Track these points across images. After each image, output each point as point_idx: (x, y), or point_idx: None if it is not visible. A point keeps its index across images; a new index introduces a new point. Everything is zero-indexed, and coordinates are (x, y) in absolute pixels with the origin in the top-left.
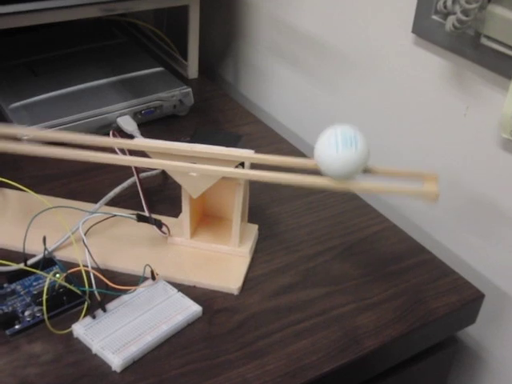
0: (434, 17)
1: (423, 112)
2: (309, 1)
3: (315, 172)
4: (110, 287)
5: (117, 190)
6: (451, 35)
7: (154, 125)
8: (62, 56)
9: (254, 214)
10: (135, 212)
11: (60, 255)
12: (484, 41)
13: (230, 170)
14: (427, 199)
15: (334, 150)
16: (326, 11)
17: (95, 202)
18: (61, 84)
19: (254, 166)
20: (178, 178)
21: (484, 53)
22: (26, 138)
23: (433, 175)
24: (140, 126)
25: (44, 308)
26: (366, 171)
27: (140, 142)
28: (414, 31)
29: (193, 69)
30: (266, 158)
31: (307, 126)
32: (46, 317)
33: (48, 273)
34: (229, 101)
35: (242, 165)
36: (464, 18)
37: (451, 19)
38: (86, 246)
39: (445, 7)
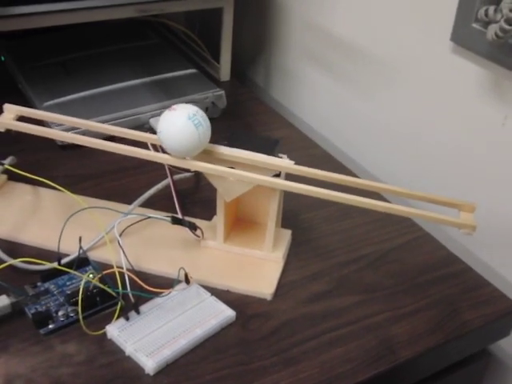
0: (474, 25)
1: (460, 121)
2: (344, 5)
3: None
4: (144, 289)
5: (151, 191)
6: (492, 44)
7: None
8: (95, 55)
9: (287, 218)
10: (170, 214)
11: (93, 255)
12: None
13: (267, 179)
14: (463, 231)
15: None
16: (361, 16)
17: (128, 202)
18: (93, 83)
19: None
20: (213, 181)
21: None
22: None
23: (470, 206)
24: None
25: (79, 308)
26: (403, 195)
27: None
28: (452, 39)
29: (225, 71)
30: (307, 170)
31: (340, 132)
32: (80, 317)
33: (81, 273)
34: (260, 104)
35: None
36: (507, 27)
37: (493, 28)
38: (121, 246)
39: (486, 15)
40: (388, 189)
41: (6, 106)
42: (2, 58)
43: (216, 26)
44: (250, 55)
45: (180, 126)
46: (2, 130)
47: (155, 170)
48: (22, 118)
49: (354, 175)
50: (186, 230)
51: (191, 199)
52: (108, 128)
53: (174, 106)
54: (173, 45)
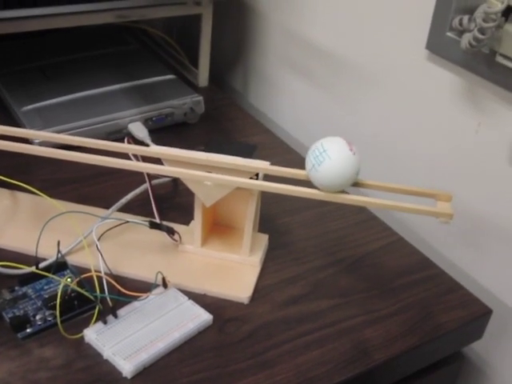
0: (449, 34)
1: (435, 127)
2: (321, 13)
3: None
4: (122, 293)
5: (129, 196)
6: (466, 52)
7: (165, 132)
8: (74, 60)
9: (264, 223)
10: (148, 219)
11: (71, 260)
12: (500, 59)
13: (245, 181)
14: (441, 219)
15: (312, 169)
16: (339, 24)
17: (105, 207)
18: (72, 88)
19: (267, 177)
20: (192, 187)
21: (498, 71)
22: (38, 141)
23: (447, 195)
24: (150, 132)
25: (57, 312)
26: (380, 188)
27: (157, 149)
28: (427, 47)
29: (203, 77)
30: (283, 170)
31: (317, 138)
32: (58, 321)
33: (59, 277)
34: (238, 110)
35: (256, 176)
36: (480, 36)
37: (467, 37)
38: (99, 250)
39: (460, 25)
40: (364, 183)
41: None
42: None
43: (194, 31)
44: (228, 61)
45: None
46: None
47: (133, 175)
48: None
49: None
50: (163, 235)
51: (169, 204)
52: (92, 142)
53: (354, 150)
54: (151, 50)
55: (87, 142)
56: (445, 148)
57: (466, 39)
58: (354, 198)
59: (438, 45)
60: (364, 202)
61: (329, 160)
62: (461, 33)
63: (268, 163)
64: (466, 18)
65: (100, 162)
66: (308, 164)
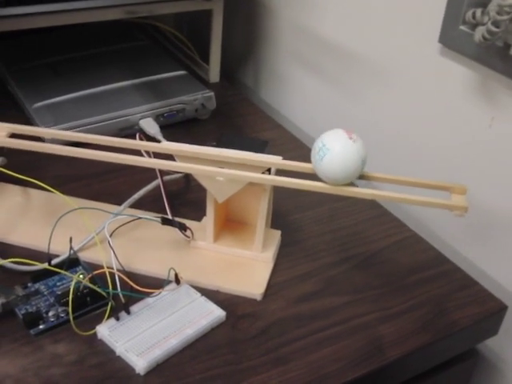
0: (462, 27)
1: (448, 122)
2: (333, 7)
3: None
4: (134, 289)
5: (141, 192)
6: (479, 46)
7: (176, 128)
8: (85, 57)
9: (276, 219)
10: (160, 215)
11: (83, 256)
12: None
13: (257, 176)
14: (456, 212)
15: (317, 165)
16: (350, 19)
17: (117, 203)
18: (83, 85)
19: (279, 172)
20: (204, 182)
21: None
22: (50, 138)
23: (461, 188)
24: (161, 128)
25: (70, 309)
26: (393, 181)
27: (169, 145)
28: (440, 41)
29: (214, 73)
30: (295, 164)
31: None
32: (71, 317)
33: (71, 273)
34: (249, 105)
35: (268, 171)
36: (494, 29)
37: (480, 30)
38: (111, 247)
39: (473, 18)
40: (376, 176)
41: None
42: None
43: (205, 27)
44: (239, 56)
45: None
46: None
47: (145, 172)
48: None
49: None
50: (175, 231)
51: (181, 200)
52: (104, 139)
53: (354, 137)
54: (162, 46)
55: (99, 139)
56: (458, 142)
57: (479, 32)
58: (362, 191)
59: (451, 38)
60: (373, 195)
61: (329, 152)
62: (474, 26)
63: (280, 158)
64: (479, 11)
65: (112, 158)
66: (313, 161)
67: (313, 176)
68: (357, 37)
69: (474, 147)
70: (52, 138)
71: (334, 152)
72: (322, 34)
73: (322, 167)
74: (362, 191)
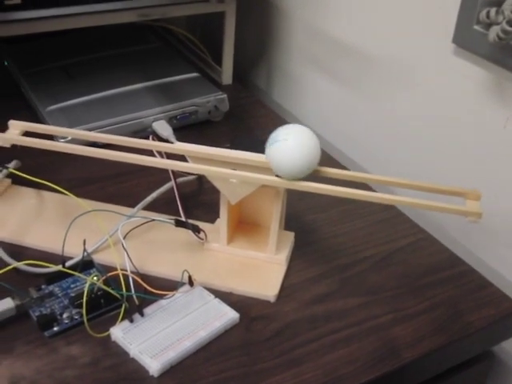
0: (476, 27)
1: (461, 123)
2: (346, 9)
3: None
4: (148, 291)
5: (154, 194)
6: (494, 46)
7: (189, 130)
8: (97, 60)
9: (289, 221)
10: (173, 217)
11: (97, 258)
12: None
13: (271, 179)
14: (470, 219)
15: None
16: (363, 20)
17: (130, 205)
18: (96, 87)
19: None
20: (217, 184)
21: None
22: (63, 140)
23: (476, 194)
24: (174, 131)
25: (84, 311)
26: (409, 186)
27: (182, 146)
28: (454, 41)
29: (227, 75)
30: None
31: (342, 135)
32: (85, 319)
33: (85, 275)
34: (262, 107)
35: None
36: (509, 28)
37: (495, 30)
38: (125, 249)
39: (488, 17)
40: (393, 181)
41: (11, 123)
42: (6, 63)
43: (217, 29)
44: (251, 58)
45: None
46: (8, 146)
47: (157, 174)
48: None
49: None
50: (188, 233)
51: (194, 202)
52: (117, 139)
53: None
54: (174, 48)
55: (112, 139)
56: (472, 143)
57: (493, 32)
58: (384, 197)
59: (465, 38)
60: (393, 201)
61: (285, 143)
62: (488, 26)
63: None
64: (493, 11)
65: (126, 158)
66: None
67: (328, 180)
68: (370, 38)
69: (488, 148)
70: (67, 140)
71: (289, 144)
72: (335, 35)
73: (273, 163)
74: (383, 196)
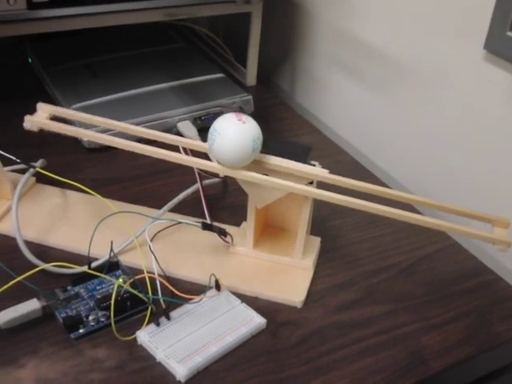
0: (509, 33)
1: (492, 131)
2: (374, 12)
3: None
4: (175, 295)
5: (181, 196)
6: None
7: None
8: (121, 58)
9: (315, 225)
10: (200, 220)
11: (121, 260)
12: None
13: (301, 188)
14: (498, 247)
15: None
16: (392, 23)
17: (154, 207)
18: (121, 87)
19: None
20: (246, 188)
21: None
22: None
23: (505, 221)
24: (199, 131)
25: (111, 313)
26: (437, 207)
27: None
28: (486, 47)
29: (251, 76)
30: (340, 179)
31: (368, 140)
32: (112, 322)
33: (111, 277)
34: (286, 109)
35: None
36: None
37: None
38: (152, 252)
39: None
40: (420, 200)
41: (40, 105)
42: (30, 60)
43: (240, 30)
44: (275, 60)
45: (240, 143)
46: (36, 130)
47: (182, 175)
48: (52, 119)
49: (384, 184)
50: (214, 236)
51: (219, 205)
52: (142, 131)
53: (244, 119)
54: (198, 48)
55: (139, 131)
56: (503, 152)
57: None
58: (410, 216)
59: (498, 45)
60: (420, 221)
61: (219, 136)
62: None
63: (327, 171)
64: None
65: (152, 153)
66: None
67: (355, 191)
68: (399, 41)
69: None
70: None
71: (224, 134)
72: (361, 38)
73: (214, 151)
74: (410, 215)
